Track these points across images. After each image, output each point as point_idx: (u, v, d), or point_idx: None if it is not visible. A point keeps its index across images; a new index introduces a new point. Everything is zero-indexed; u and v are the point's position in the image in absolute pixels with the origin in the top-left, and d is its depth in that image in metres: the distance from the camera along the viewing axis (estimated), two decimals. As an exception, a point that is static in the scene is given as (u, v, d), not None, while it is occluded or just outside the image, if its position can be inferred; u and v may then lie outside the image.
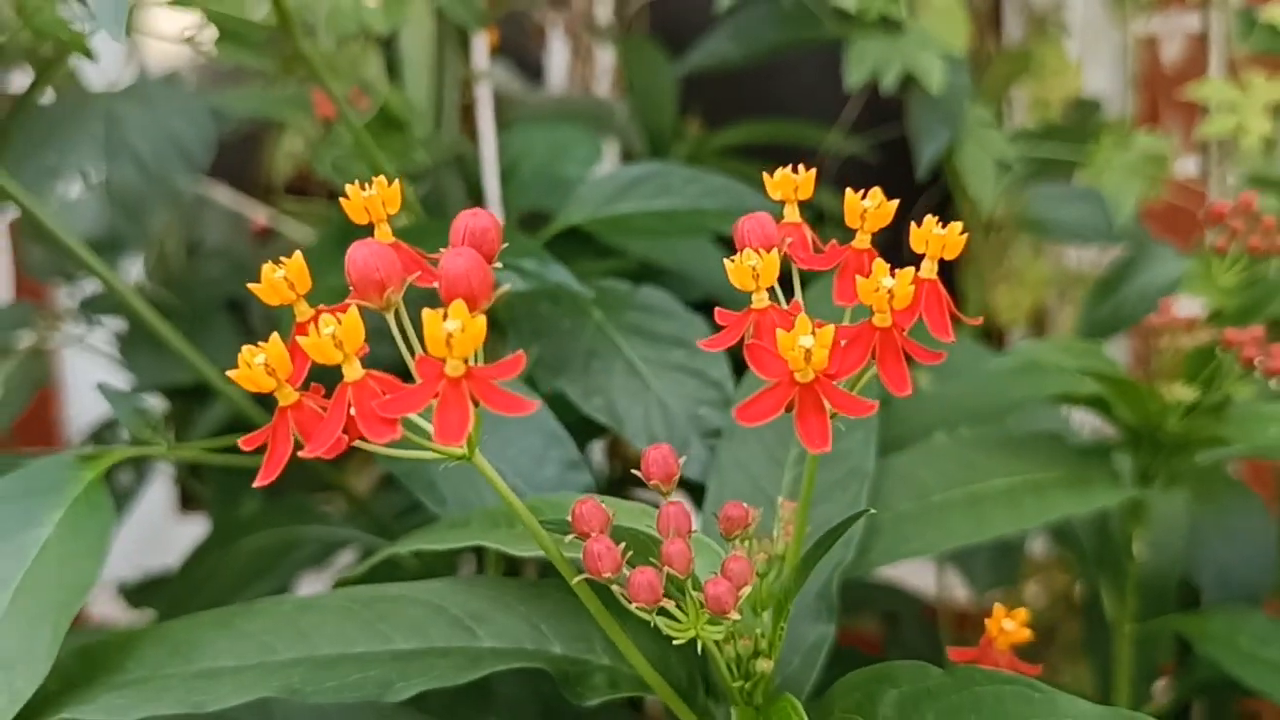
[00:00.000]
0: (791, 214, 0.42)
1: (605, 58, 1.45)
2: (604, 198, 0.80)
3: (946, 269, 0.38)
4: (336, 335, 0.32)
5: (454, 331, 0.31)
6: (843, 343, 0.37)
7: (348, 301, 0.34)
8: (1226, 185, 1.29)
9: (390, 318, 0.35)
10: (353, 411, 0.33)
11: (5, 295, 1.43)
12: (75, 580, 0.51)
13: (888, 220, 0.40)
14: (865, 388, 0.68)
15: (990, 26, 1.53)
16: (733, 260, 0.38)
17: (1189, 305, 0.87)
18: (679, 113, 1.29)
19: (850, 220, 0.40)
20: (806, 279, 0.43)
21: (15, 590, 0.50)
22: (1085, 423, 1.01)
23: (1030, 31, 1.48)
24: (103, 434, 1.11)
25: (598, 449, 1.06)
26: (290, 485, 1.05)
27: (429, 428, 0.37)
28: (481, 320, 0.31)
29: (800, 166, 0.42)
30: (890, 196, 0.40)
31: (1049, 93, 1.41)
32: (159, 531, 1.49)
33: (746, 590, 0.39)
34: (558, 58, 1.49)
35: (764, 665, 0.45)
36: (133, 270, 1.13)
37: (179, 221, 1.27)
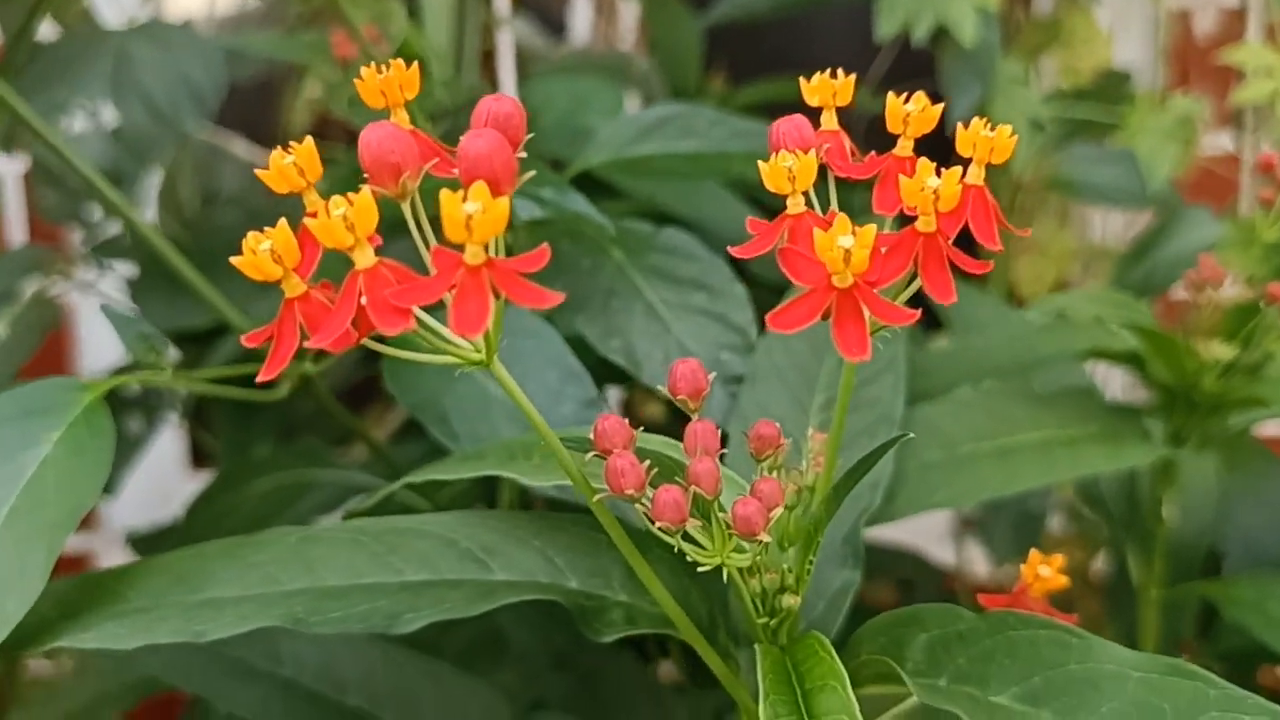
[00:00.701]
0: (829, 121, 0.39)
1: (629, 14, 1.43)
2: (626, 139, 0.78)
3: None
4: (348, 217, 0.30)
5: (474, 214, 0.29)
6: (883, 251, 0.35)
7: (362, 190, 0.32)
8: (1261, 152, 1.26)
9: (406, 207, 0.32)
10: (364, 301, 0.30)
11: (20, 239, 1.42)
12: (72, 501, 0.49)
13: (932, 125, 0.37)
14: (895, 351, 0.66)
15: (1021, -6, 1.50)
16: (767, 162, 0.36)
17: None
18: (703, 68, 1.27)
19: (892, 125, 0.38)
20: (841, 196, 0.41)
21: (9, 510, 0.49)
22: (1114, 390, 0.99)
23: (1061, 0, 1.45)
24: (113, 381, 1.10)
25: (613, 403, 1.04)
26: (306, 431, 1.04)
27: (447, 333, 0.35)
28: (504, 204, 0.29)
29: (839, 71, 0.39)
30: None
31: (1079, 62, 1.38)
32: (170, 485, 1.47)
33: (777, 512, 0.36)
34: (581, 14, 1.47)
35: (790, 601, 0.43)
36: (147, 214, 1.11)
37: (194, 169, 1.25)
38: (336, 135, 1.24)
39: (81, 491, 0.50)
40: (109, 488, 1.07)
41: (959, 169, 0.34)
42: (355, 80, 0.34)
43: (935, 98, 0.38)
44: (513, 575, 0.48)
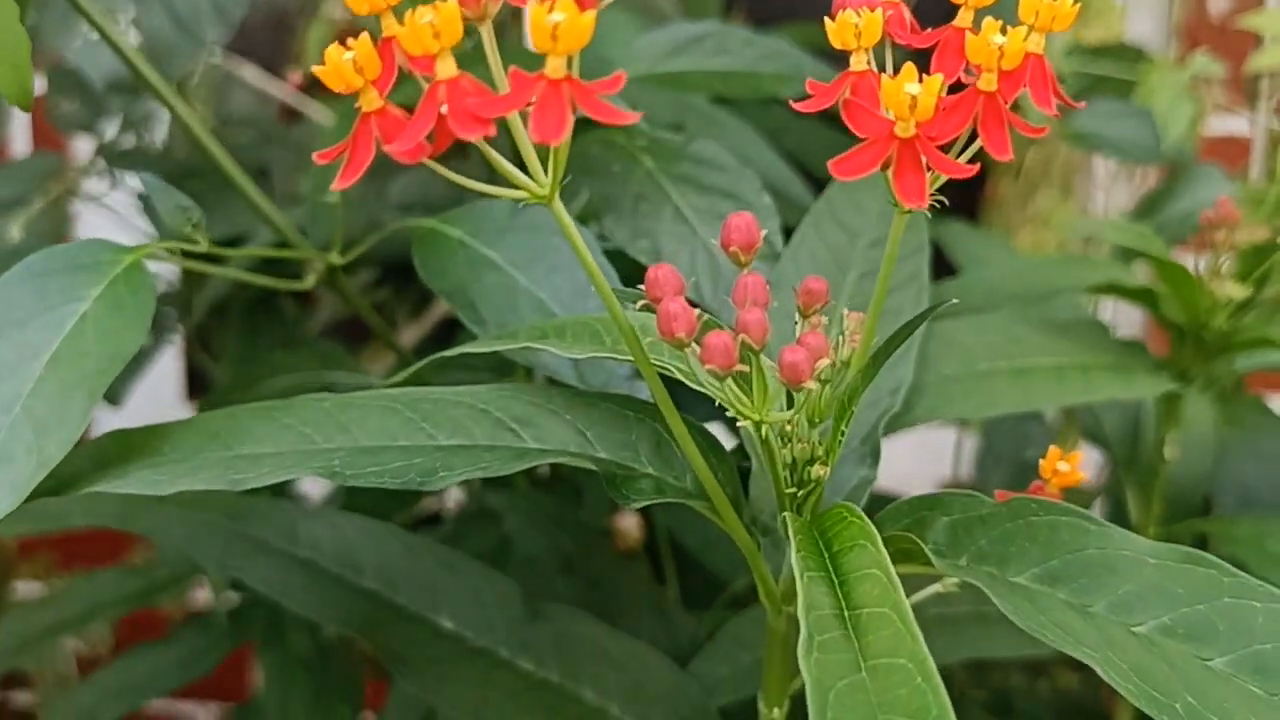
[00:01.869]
0: (889, -7, 0.40)
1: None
2: (660, 54, 0.78)
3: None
4: (435, 24, 0.30)
5: (560, 24, 0.29)
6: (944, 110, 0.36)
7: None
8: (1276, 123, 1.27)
9: (485, 33, 0.33)
10: (444, 111, 0.31)
11: (24, 148, 1.41)
12: (112, 351, 0.50)
13: (993, -2, 0.38)
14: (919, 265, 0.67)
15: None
16: (833, 19, 0.36)
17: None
18: (725, 10, 1.27)
19: (954, -7, 0.38)
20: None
21: (50, 358, 0.49)
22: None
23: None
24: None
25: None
26: (333, 336, 1.04)
27: (514, 172, 0.36)
28: (589, 17, 0.30)
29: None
30: None
31: (1090, 35, 1.39)
32: (166, 413, 1.48)
33: (824, 363, 0.37)
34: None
35: (819, 471, 0.44)
36: (159, 133, 1.12)
37: (210, 93, 1.25)
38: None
39: (121, 343, 0.51)
40: (114, 397, 1.08)
41: (1023, 29, 0.35)
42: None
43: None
44: (544, 444, 0.49)
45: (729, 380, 0.37)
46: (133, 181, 1.05)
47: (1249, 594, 0.44)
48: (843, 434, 0.44)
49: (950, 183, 0.36)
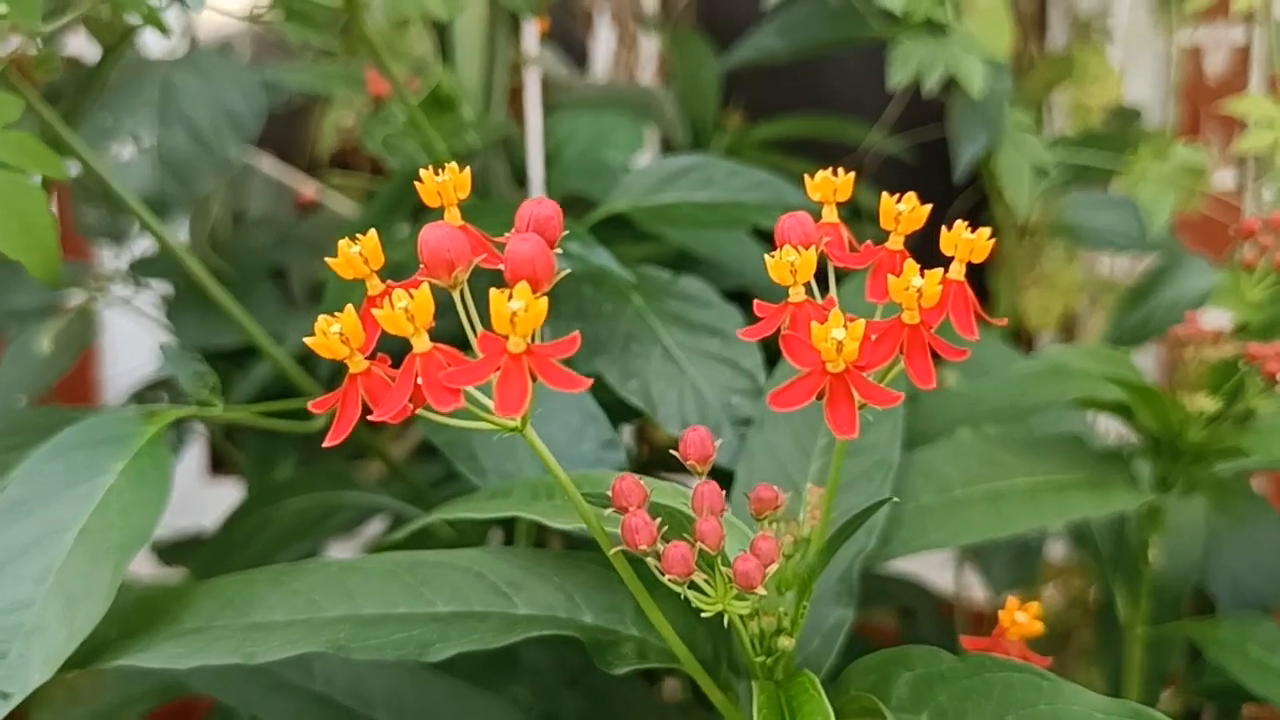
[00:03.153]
0: (830, 214, 0.44)
1: (650, 46, 1.47)
2: (648, 187, 0.82)
3: (978, 271, 0.40)
4: (409, 309, 0.34)
5: (518, 311, 0.34)
6: (873, 337, 0.39)
7: (418, 278, 0.36)
8: (1262, 201, 1.30)
9: (456, 295, 0.37)
10: (419, 381, 0.35)
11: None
12: (136, 525, 0.54)
13: (920, 224, 0.42)
14: (894, 382, 0.70)
15: (1035, 31, 1.54)
16: (773, 256, 0.40)
17: (1219, 318, 0.88)
18: (721, 104, 1.31)
19: (885, 223, 0.42)
20: (841, 277, 0.45)
21: (80, 531, 0.53)
22: (1110, 429, 1.03)
23: (1074, 37, 1.49)
24: (144, 395, 1.14)
25: (626, 433, 1.09)
26: (328, 450, 1.08)
27: (483, 399, 0.40)
28: (543, 302, 0.34)
29: (840, 169, 0.44)
30: (927, 197, 0.43)
31: (1090, 99, 1.42)
32: (191, 493, 1.52)
33: (773, 568, 0.41)
34: (604, 45, 1.51)
35: (785, 643, 0.47)
36: (179, 235, 1.16)
37: (226, 190, 1.30)
38: (361, 160, 1.28)
39: (144, 517, 0.55)
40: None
41: (940, 271, 0.39)
42: (415, 182, 0.38)
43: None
44: (534, 609, 0.53)
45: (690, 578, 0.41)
46: (157, 286, 1.10)
47: (1189, 752, 0.47)
48: (804, 608, 0.47)
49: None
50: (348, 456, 1.08)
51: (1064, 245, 1.47)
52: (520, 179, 1.04)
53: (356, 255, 0.37)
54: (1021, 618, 0.53)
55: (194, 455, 1.57)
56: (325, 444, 0.37)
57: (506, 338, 0.34)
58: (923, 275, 0.38)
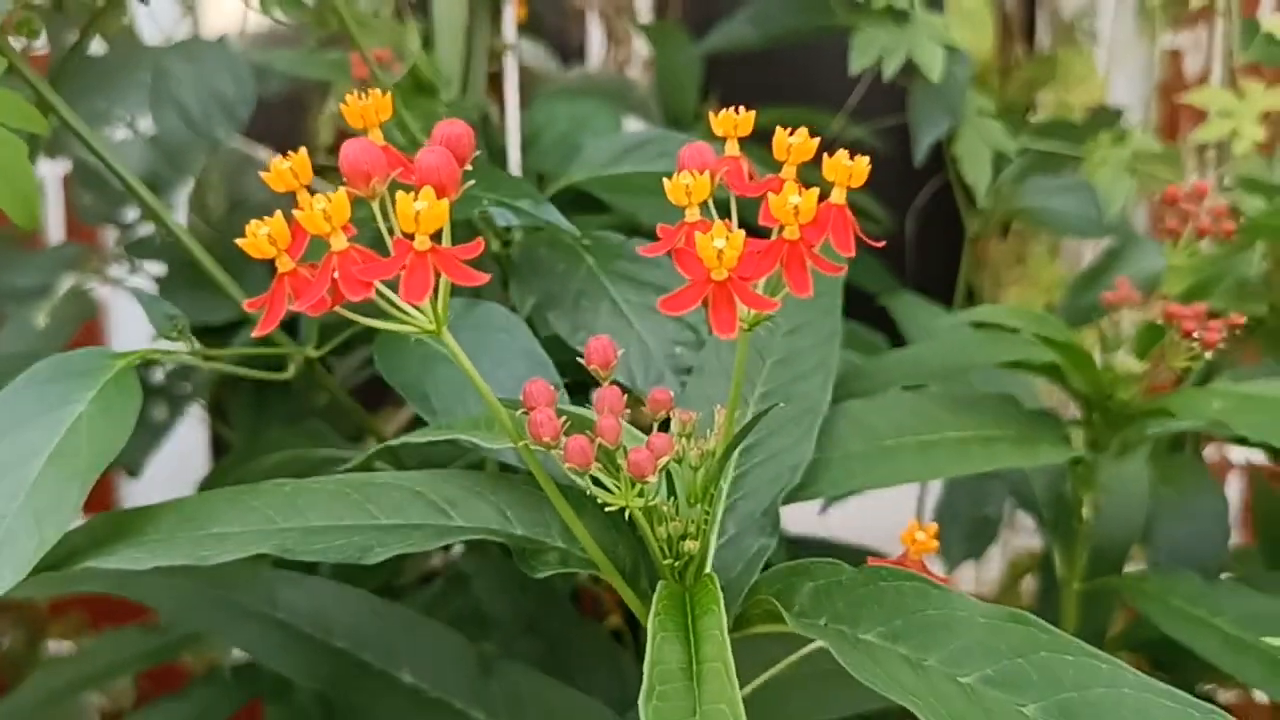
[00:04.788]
0: (731, 148, 0.48)
1: (640, 42, 1.52)
2: (607, 158, 0.87)
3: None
4: (327, 210, 0.39)
5: (421, 210, 0.38)
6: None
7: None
8: (1221, 188, 1.34)
9: (375, 206, 0.42)
10: (336, 276, 0.39)
11: (57, 237, 1.52)
12: (103, 448, 0.58)
13: (810, 155, 0.46)
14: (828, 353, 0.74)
15: (1023, 33, 1.58)
16: (669, 179, 0.44)
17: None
18: (702, 95, 1.35)
19: (778, 153, 0.46)
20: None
21: (50, 454, 0.58)
22: (1051, 395, 1.06)
23: (1059, 38, 1.53)
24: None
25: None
26: (311, 413, 1.13)
27: (410, 310, 0.44)
28: (444, 204, 0.38)
29: (740, 108, 0.48)
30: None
31: (1073, 99, 1.46)
32: (191, 473, 1.57)
33: (664, 460, 0.45)
34: (595, 41, 1.56)
35: (690, 545, 0.51)
36: (178, 218, 1.21)
37: (223, 177, 1.35)
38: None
39: (110, 440, 0.59)
40: (134, 469, 1.17)
41: (816, 190, 0.43)
42: (340, 105, 0.43)
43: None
44: (469, 522, 0.57)
45: (589, 474, 0.45)
46: (152, 267, 1.14)
47: (1062, 649, 0.51)
48: (708, 513, 0.52)
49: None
50: (347, 437, 1.12)
51: (1047, 243, 1.51)
52: (499, 162, 1.09)
53: (287, 169, 0.41)
54: (921, 536, 0.57)
55: (195, 439, 1.61)
56: (255, 334, 0.41)
57: (413, 237, 0.39)
58: (801, 195, 0.43)
